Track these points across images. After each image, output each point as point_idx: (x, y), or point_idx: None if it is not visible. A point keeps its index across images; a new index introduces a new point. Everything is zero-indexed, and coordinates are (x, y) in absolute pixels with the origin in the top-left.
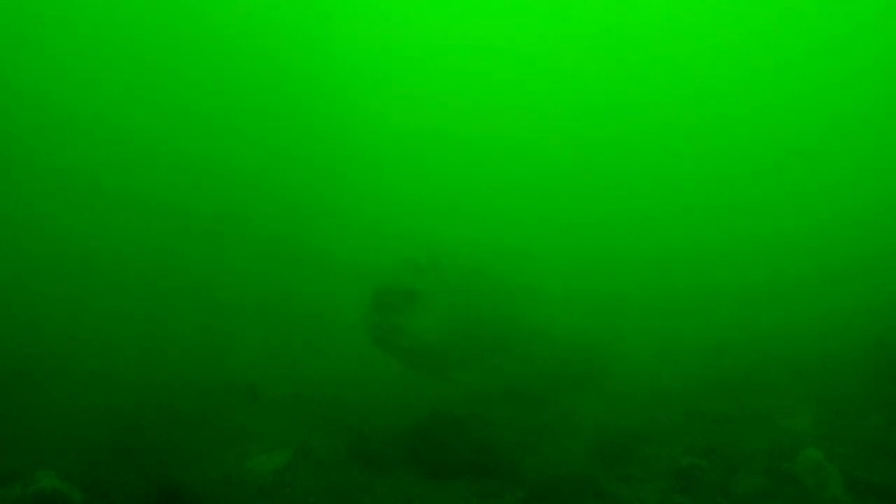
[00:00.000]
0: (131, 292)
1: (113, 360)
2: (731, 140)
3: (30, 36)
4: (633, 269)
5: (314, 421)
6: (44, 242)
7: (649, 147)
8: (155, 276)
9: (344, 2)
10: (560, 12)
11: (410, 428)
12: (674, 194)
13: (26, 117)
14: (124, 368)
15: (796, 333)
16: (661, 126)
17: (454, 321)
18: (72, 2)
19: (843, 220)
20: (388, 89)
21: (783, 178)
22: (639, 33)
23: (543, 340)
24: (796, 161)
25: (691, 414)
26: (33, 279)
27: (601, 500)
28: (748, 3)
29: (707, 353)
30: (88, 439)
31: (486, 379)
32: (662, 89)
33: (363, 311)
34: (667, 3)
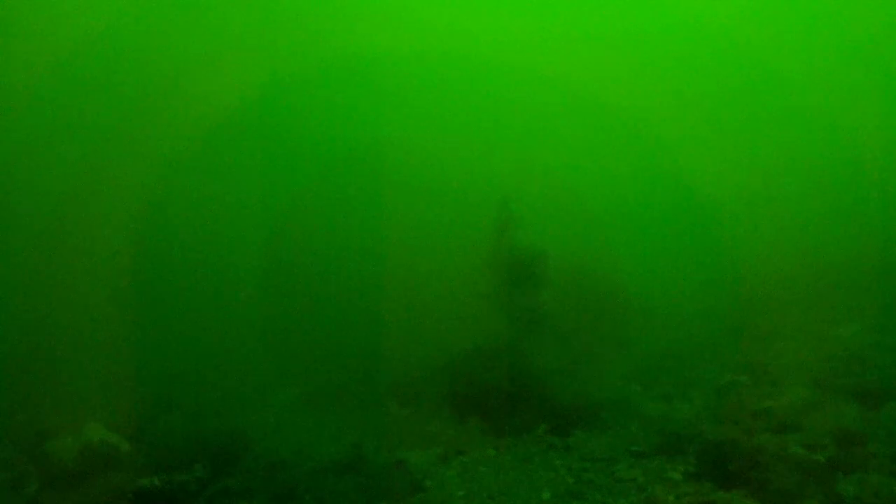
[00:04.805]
0: None
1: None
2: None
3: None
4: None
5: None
6: None
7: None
8: None
9: None
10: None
11: (445, 364)
12: None
13: None
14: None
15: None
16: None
17: None
18: None
19: None
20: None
21: None
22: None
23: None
24: None
25: (733, 331)
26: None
27: (640, 421)
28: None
29: (748, 266)
30: (134, 397)
31: None
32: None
33: None
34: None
